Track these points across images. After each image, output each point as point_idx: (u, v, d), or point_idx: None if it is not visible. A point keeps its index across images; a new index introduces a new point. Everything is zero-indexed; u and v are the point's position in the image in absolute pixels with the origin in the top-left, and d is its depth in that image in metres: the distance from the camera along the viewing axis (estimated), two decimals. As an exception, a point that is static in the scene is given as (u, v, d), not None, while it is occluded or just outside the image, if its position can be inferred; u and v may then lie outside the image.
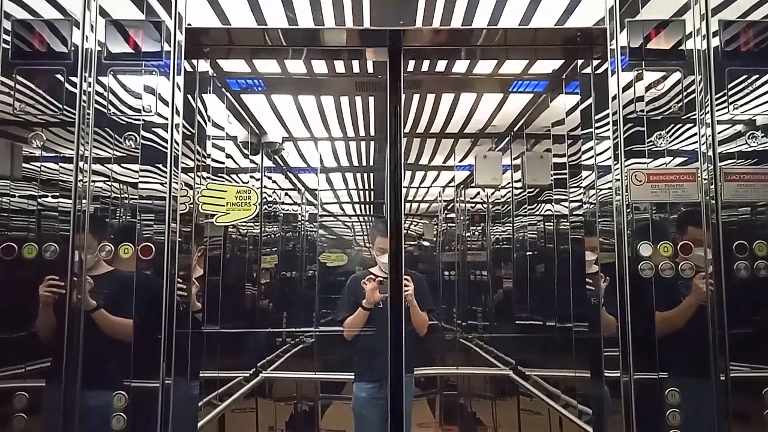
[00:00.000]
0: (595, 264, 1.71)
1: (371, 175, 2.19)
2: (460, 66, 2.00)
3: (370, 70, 1.98)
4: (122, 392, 1.53)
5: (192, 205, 1.70)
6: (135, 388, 1.54)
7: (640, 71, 1.65)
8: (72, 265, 1.55)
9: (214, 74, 1.89)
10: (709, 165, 1.62)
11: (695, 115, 1.64)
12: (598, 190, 1.69)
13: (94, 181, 1.60)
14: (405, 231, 1.93)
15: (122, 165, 1.61)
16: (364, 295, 2.02)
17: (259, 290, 2.10)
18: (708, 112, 1.64)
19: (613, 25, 1.67)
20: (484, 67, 2.00)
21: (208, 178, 1.83)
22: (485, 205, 2.16)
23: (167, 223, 1.59)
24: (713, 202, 1.60)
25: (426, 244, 2.13)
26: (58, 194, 1.59)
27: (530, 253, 2.10)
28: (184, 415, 1.66)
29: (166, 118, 1.63)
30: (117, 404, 1.53)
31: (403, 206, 1.92)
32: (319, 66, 1.98)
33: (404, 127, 1.93)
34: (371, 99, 2.06)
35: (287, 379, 2.09)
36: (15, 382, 1.53)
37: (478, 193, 2.15)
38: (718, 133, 1.63)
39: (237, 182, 1.99)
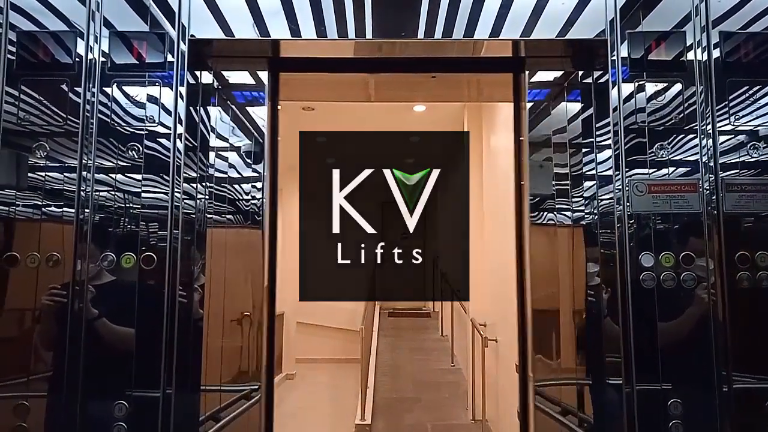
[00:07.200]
0: (597, 276, 1.71)
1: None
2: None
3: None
4: (123, 402, 1.53)
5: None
6: (136, 398, 1.54)
7: (641, 82, 1.66)
8: (74, 274, 1.56)
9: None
10: (711, 175, 1.62)
11: (696, 125, 1.64)
12: (599, 201, 1.69)
13: (97, 191, 1.61)
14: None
15: (125, 174, 1.62)
16: None
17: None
18: (709, 122, 1.64)
19: (614, 36, 1.68)
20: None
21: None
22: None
23: (169, 233, 1.60)
24: (715, 212, 1.60)
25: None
26: (61, 203, 1.60)
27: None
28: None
29: (170, 128, 1.64)
30: (118, 414, 1.53)
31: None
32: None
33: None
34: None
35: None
36: (17, 392, 1.53)
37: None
38: (720, 143, 1.64)
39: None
